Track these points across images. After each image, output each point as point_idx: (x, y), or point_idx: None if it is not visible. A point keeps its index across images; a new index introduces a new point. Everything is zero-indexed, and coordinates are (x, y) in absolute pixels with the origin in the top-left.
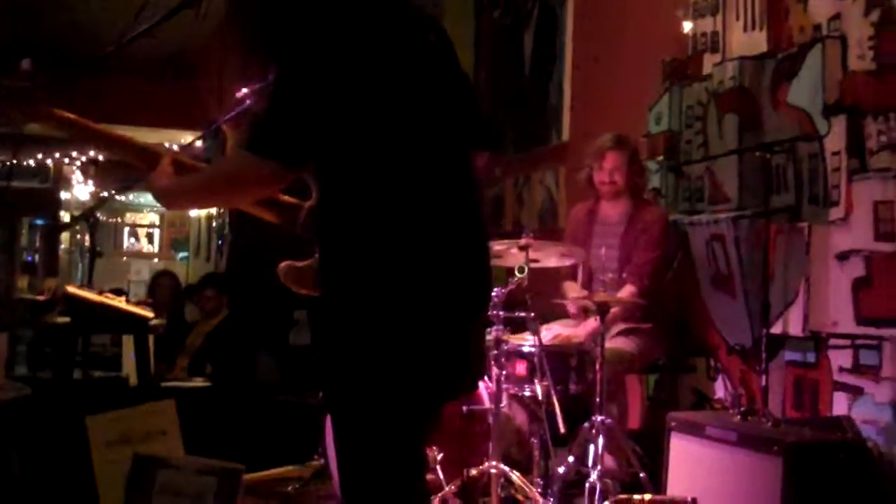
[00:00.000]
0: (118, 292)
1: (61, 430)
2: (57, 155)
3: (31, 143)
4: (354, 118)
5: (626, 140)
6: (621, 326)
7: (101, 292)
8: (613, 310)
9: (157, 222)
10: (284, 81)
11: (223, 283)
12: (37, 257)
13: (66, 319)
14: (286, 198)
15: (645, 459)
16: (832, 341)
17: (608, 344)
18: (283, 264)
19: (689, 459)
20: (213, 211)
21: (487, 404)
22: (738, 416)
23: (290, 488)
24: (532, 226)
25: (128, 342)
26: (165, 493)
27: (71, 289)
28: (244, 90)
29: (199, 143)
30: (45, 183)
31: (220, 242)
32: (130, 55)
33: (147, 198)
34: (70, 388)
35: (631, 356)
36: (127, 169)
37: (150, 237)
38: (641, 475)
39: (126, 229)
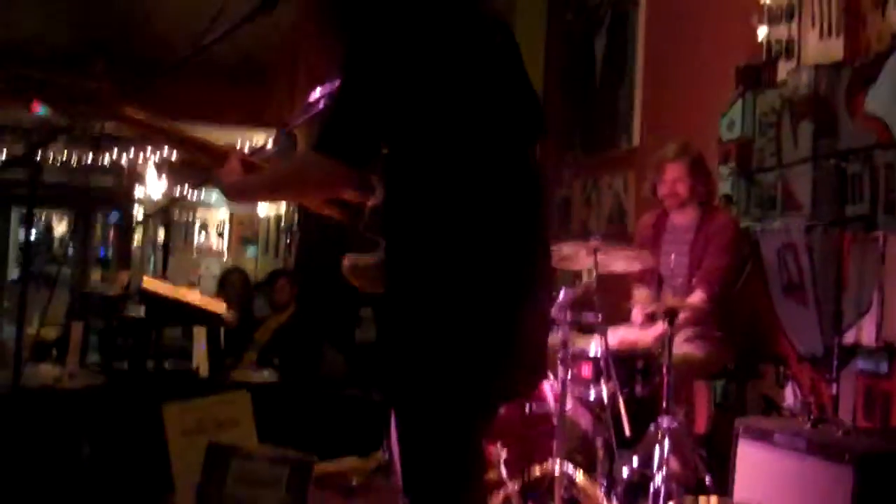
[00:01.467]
0: (190, 286)
1: (136, 418)
2: (132, 152)
3: (108, 140)
4: (421, 116)
5: (686, 149)
6: (689, 332)
7: (175, 286)
8: (682, 315)
9: (227, 219)
10: (352, 80)
11: (294, 275)
12: (110, 252)
13: (142, 312)
14: (350, 195)
15: (711, 464)
16: None
17: (676, 349)
18: (347, 259)
19: (756, 466)
20: (282, 208)
21: (552, 405)
22: (808, 424)
23: (353, 481)
24: (600, 229)
25: (198, 335)
26: (239, 481)
27: (146, 283)
28: (316, 92)
29: (270, 146)
30: (119, 179)
31: (287, 240)
32: (204, 57)
33: (218, 195)
34: (144, 379)
35: (699, 361)
36: (199, 168)
37: (220, 234)
38: (707, 479)
39: (197, 226)
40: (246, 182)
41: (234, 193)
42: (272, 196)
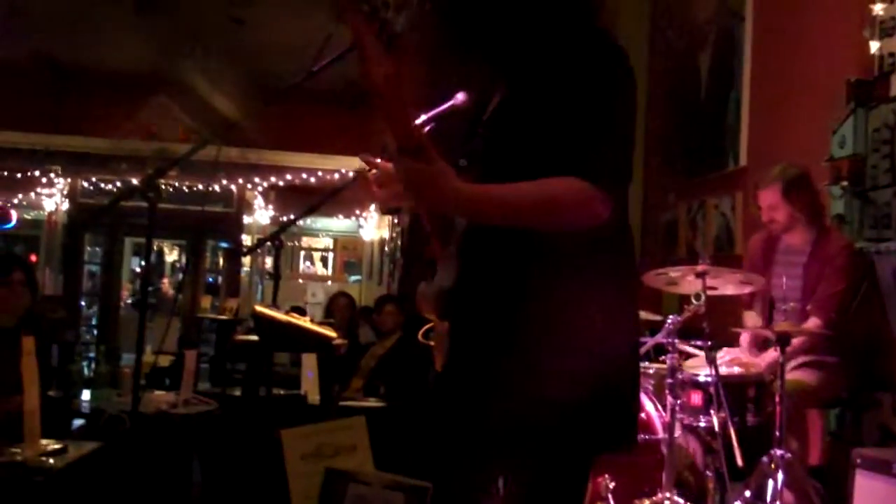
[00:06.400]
0: (300, 311)
1: (251, 444)
2: (241, 181)
3: (219, 168)
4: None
5: (779, 174)
6: (803, 359)
7: (286, 312)
8: (795, 341)
9: (332, 246)
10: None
11: (401, 301)
12: (219, 279)
13: (254, 337)
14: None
15: (826, 497)
16: None
17: (789, 376)
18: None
19: (875, 498)
20: (386, 234)
21: (661, 434)
22: None
23: None
24: (706, 252)
25: (308, 361)
26: None
27: (260, 308)
28: (422, 116)
29: (374, 172)
30: (228, 207)
31: (391, 266)
32: (311, 83)
33: (322, 222)
34: (257, 404)
35: (812, 389)
36: (305, 194)
37: (324, 260)
38: None
39: (302, 253)
40: (483, 192)
41: (465, 202)
42: (518, 217)
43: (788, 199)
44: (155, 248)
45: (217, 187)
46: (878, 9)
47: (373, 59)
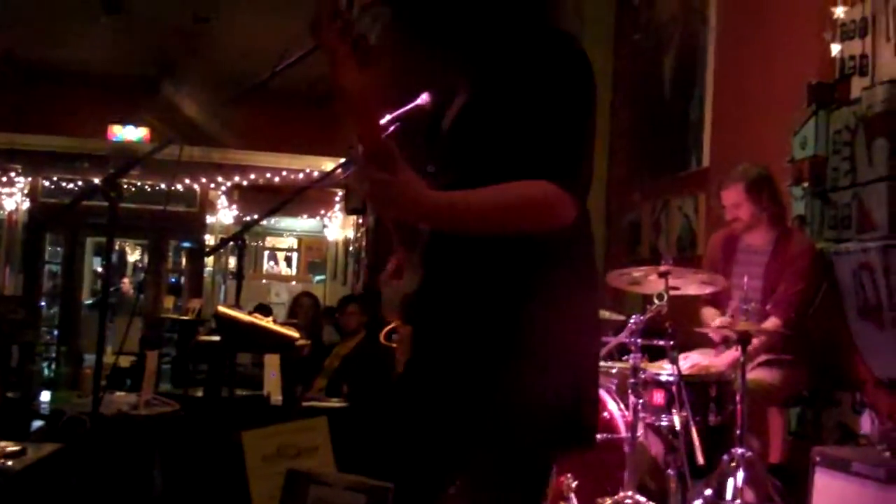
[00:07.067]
0: (265, 311)
1: (212, 445)
2: (203, 180)
3: (183, 168)
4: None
5: (742, 173)
6: (763, 357)
7: (249, 312)
8: (756, 340)
9: (296, 246)
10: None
11: (364, 302)
12: (181, 279)
13: (216, 338)
14: None
15: (786, 494)
16: None
17: (749, 375)
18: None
19: (834, 496)
20: (350, 234)
21: (623, 433)
22: (888, 453)
23: None
24: (669, 253)
25: (270, 362)
26: None
27: (222, 309)
28: (387, 116)
29: (339, 171)
30: (191, 207)
31: (356, 266)
32: (274, 83)
33: (286, 222)
34: (219, 405)
35: (773, 388)
36: (269, 194)
37: (288, 260)
38: None
39: (266, 253)
40: (450, 199)
41: (433, 210)
42: (486, 224)
43: (751, 196)
44: (117, 247)
45: (180, 187)
46: (839, 12)
47: (345, 73)
